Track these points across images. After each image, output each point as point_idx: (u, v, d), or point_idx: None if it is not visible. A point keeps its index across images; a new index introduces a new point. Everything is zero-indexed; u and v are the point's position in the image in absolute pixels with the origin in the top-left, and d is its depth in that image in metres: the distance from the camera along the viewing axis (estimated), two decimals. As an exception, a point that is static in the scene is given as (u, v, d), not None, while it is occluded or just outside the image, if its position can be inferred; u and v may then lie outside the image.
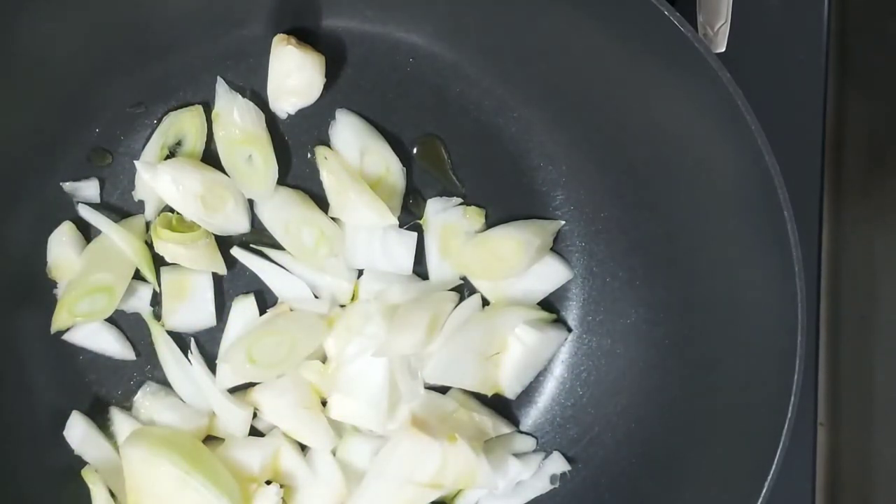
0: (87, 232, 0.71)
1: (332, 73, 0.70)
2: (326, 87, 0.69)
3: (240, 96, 0.70)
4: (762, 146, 0.60)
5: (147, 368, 0.72)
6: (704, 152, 0.65)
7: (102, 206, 0.71)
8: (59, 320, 0.69)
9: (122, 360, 0.72)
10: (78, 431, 0.71)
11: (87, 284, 0.68)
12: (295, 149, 0.72)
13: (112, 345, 0.71)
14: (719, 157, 0.64)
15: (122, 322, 0.72)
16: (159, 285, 0.71)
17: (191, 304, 0.71)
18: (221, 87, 0.70)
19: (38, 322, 0.70)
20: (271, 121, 0.71)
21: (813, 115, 0.77)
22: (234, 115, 0.69)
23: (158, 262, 0.70)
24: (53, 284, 0.70)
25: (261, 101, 0.70)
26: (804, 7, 0.77)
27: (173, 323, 0.71)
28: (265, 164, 0.70)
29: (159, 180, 0.67)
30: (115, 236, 0.69)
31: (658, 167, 0.68)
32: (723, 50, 0.73)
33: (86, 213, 0.70)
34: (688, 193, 0.67)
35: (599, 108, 0.69)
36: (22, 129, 0.68)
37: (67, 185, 0.70)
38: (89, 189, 0.70)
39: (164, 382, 0.72)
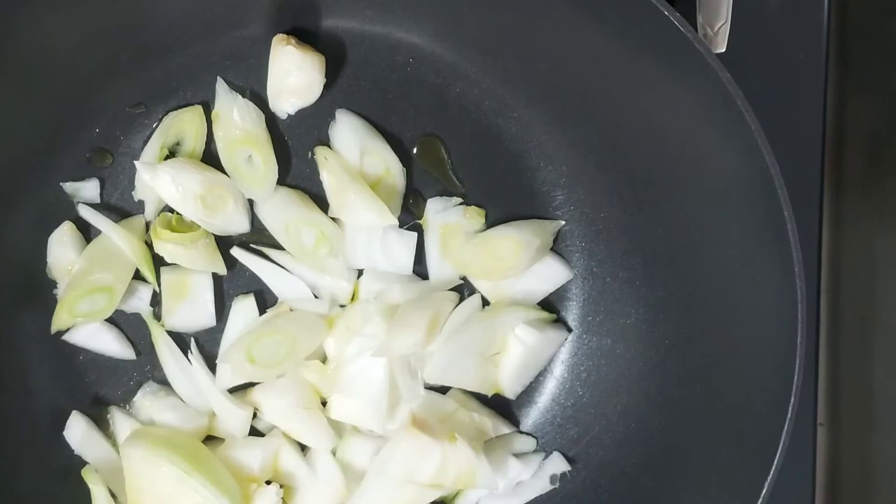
0: (87, 232, 0.71)
1: (332, 73, 0.70)
2: (326, 87, 0.69)
3: (240, 96, 0.70)
4: (762, 146, 0.60)
5: (147, 368, 0.72)
6: (704, 152, 0.65)
7: (102, 206, 0.71)
8: (59, 320, 0.69)
9: (122, 360, 0.72)
10: (78, 431, 0.71)
11: (87, 284, 0.68)
12: (295, 149, 0.72)
13: (112, 345, 0.71)
14: (719, 157, 0.64)
15: (122, 322, 0.72)
16: (159, 285, 0.71)
17: (191, 304, 0.71)
18: (221, 87, 0.70)
19: (38, 322, 0.70)
20: (271, 121, 0.71)
21: (813, 115, 0.77)
22: (234, 116, 0.69)
23: (158, 262, 0.70)
24: (53, 284, 0.70)
25: (261, 101, 0.70)
26: (804, 7, 0.77)
27: (173, 323, 0.71)
28: (265, 164, 0.70)
29: (159, 180, 0.67)
30: (115, 236, 0.69)
31: (658, 167, 0.68)
32: (723, 50, 0.72)
33: (86, 213, 0.70)
34: (688, 193, 0.67)
35: (599, 108, 0.69)
36: (22, 129, 0.68)
37: (67, 185, 0.70)
38: (89, 189, 0.70)
39: (164, 382, 0.72)
